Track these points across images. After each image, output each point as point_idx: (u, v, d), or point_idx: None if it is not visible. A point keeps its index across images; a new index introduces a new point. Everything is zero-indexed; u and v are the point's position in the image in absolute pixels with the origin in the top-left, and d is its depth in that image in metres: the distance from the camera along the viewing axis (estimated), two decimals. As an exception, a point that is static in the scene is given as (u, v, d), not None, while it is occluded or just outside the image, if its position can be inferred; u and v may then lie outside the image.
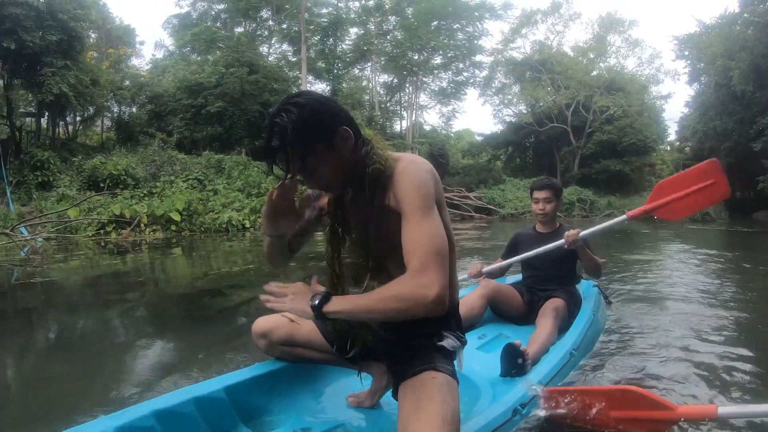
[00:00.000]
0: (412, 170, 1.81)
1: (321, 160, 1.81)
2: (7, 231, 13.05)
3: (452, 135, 42.28)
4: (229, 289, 6.77)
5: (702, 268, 8.21)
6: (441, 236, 1.77)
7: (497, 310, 4.13)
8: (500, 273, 4.49)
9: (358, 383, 2.50)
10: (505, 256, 4.41)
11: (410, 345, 2.06)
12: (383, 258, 1.99)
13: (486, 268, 4.36)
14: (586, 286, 4.48)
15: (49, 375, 3.83)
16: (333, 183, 1.89)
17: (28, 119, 22.81)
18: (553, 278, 4.11)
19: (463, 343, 2.14)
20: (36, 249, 12.20)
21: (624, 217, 4.28)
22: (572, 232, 3.91)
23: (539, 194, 4.15)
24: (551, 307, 3.71)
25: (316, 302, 1.80)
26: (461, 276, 4.35)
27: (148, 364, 3.94)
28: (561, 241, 3.96)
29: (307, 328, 2.34)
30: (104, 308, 6.01)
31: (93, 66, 21.15)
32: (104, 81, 21.36)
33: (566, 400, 2.57)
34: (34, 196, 16.89)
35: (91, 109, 22.69)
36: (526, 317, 3.96)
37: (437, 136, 36.08)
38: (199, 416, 2.25)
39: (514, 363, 2.92)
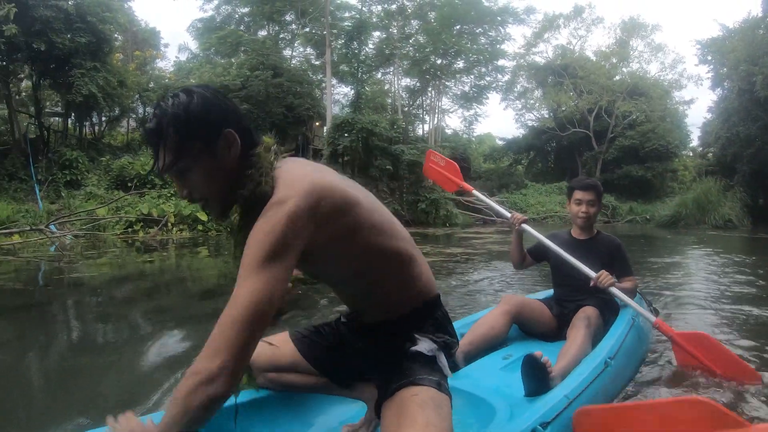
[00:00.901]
0: (270, 212, 1.43)
1: (195, 163, 1.53)
2: (42, 227, 13.34)
3: (473, 139, 42.26)
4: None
5: (736, 273, 8.25)
6: (256, 301, 1.38)
7: (525, 328, 3.79)
8: (521, 253, 4.09)
9: (353, 412, 2.39)
10: (533, 254, 4.11)
11: (384, 356, 1.84)
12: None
13: (527, 227, 3.99)
14: None
15: (74, 367, 3.97)
16: (207, 196, 1.59)
17: (54, 119, 23.12)
18: (583, 287, 3.68)
19: (446, 343, 1.86)
20: (65, 246, 12.47)
21: (653, 319, 3.64)
22: (607, 279, 3.52)
23: (583, 195, 3.77)
24: (582, 317, 3.39)
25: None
26: (506, 213, 4.14)
27: (158, 360, 3.96)
28: (591, 274, 3.59)
29: (288, 351, 2.13)
30: (129, 304, 6.21)
31: (120, 68, 21.47)
32: (131, 82, 21.67)
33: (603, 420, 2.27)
34: (63, 194, 17.27)
35: (117, 110, 22.93)
36: (556, 333, 3.62)
37: (459, 140, 36.09)
38: None
39: (537, 377, 2.59)
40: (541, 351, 2.82)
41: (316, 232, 1.49)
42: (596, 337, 3.28)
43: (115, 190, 17.85)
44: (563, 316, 3.62)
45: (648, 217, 27.12)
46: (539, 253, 4.08)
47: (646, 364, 3.45)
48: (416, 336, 1.80)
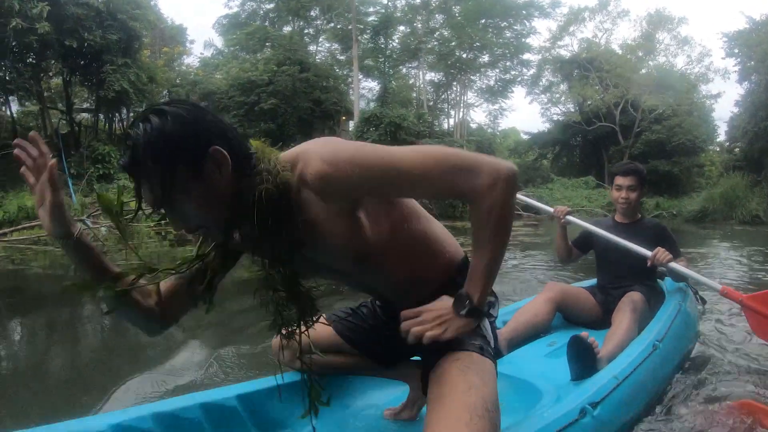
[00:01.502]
0: (329, 166, 1.38)
1: (184, 193, 1.35)
2: (83, 218, 13.68)
3: (498, 133, 42.15)
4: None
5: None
6: (435, 150, 1.48)
7: (569, 316, 3.78)
8: (568, 247, 4.01)
9: (395, 396, 2.38)
10: (578, 245, 4.05)
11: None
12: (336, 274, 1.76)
13: (572, 217, 3.95)
14: (670, 283, 3.93)
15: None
16: (204, 224, 1.44)
17: (82, 115, 23.44)
18: (628, 274, 3.70)
19: (488, 303, 1.73)
20: (98, 237, 12.83)
21: (719, 287, 3.49)
22: (665, 255, 3.44)
23: (623, 180, 3.77)
24: (627, 301, 3.35)
25: (467, 308, 1.58)
26: (548, 208, 4.10)
27: (189, 351, 4.06)
28: (646, 253, 3.50)
29: (325, 333, 2.07)
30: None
31: (150, 64, 21.73)
32: (160, 79, 21.95)
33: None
34: (96, 187, 17.48)
35: (145, 106, 23.24)
36: (601, 321, 3.54)
37: (483, 134, 36.06)
38: (206, 423, 2.08)
39: (584, 359, 2.55)
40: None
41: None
42: (642, 323, 3.22)
43: (146, 184, 18.13)
44: (608, 304, 3.58)
45: (675, 212, 26.88)
46: (585, 243, 4.04)
47: (687, 354, 3.39)
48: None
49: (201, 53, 35.44)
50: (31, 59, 18.20)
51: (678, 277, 3.62)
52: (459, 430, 1.41)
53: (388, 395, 2.45)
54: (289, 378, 2.20)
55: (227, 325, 4.81)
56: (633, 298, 3.38)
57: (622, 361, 2.57)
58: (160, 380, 3.39)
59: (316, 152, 1.42)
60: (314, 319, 1.71)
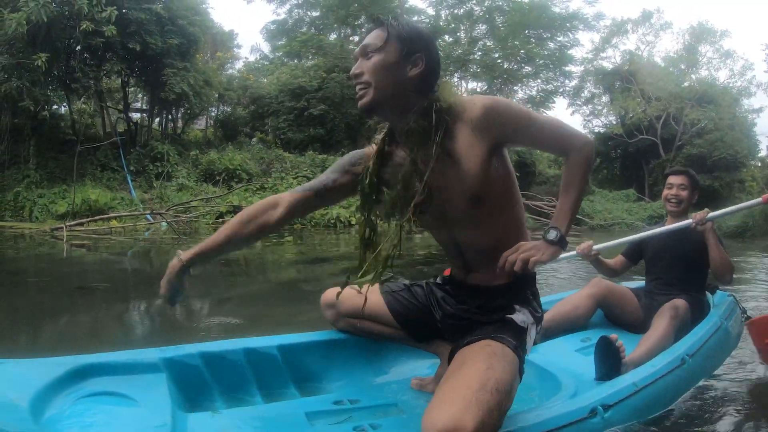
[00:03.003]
0: (494, 102, 1.83)
1: (382, 52, 1.82)
2: (152, 212, 14.48)
3: (537, 144, 42.07)
4: (330, 276, 7.56)
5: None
6: (558, 119, 1.99)
7: (610, 315, 3.74)
8: (613, 268, 4.01)
9: (424, 367, 2.51)
10: (628, 254, 4.01)
11: (478, 318, 2.00)
12: (441, 202, 1.92)
13: (599, 246, 3.87)
14: (720, 297, 3.85)
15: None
16: (371, 82, 1.82)
17: (135, 115, 24.11)
18: (678, 282, 3.64)
19: (537, 318, 2.04)
20: (160, 231, 13.83)
21: (759, 199, 3.71)
22: (700, 213, 3.50)
23: (675, 179, 3.72)
24: (670, 306, 3.30)
25: (557, 235, 1.87)
26: (570, 252, 3.89)
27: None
28: (688, 221, 3.53)
29: (374, 302, 2.26)
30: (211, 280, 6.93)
31: (206, 67, 22.36)
32: (216, 82, 22.57)
33: None
34: (155, 184, 18.18)
35: (197, 109, 23.84)
36: (642, 324, 3.46)
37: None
38: (247, 366, 2.30)
39: (609, 360, 2.63)
40: (623, 341, 2.83)
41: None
42: (680, 332, 3.17)
43: (203, 183, 18.90)
44: (651, 309, 3.47)
45: (715, 227, 26.63)
46: (635, 252, 3.99)
47: (719, 372, 3.26)
48: (516, 306, 1.96)
49: (245, 58, 35.95)
50: (93, 61, 18.86)
51: (722, 256, 3.49)
52: (463, 394, 1.57)
53: (418, 366, 2.58)
54: (327, 336, 2.51)
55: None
56: (676, 304, 3.32)
57: (647, 369, 2.54)
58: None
59: (481, 98, 1.84)
60: (390, 267, 1.97)
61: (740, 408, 2.78)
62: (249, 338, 2.41)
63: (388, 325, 2.33)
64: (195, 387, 2.18)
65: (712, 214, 3.51)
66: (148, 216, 15.22)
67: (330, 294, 2.39)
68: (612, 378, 2.50)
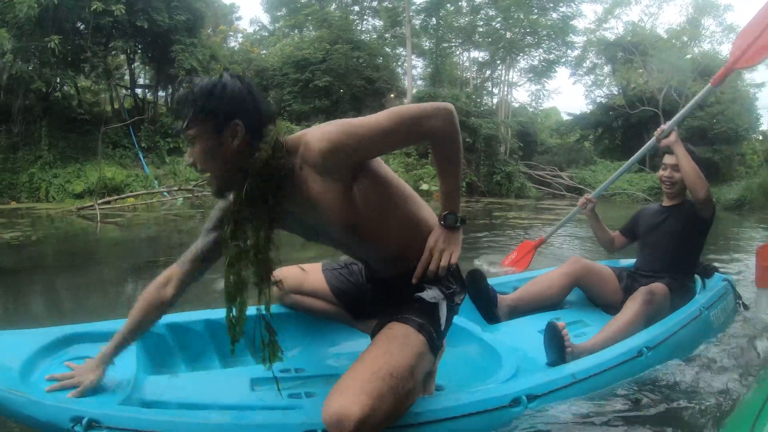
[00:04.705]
0: (330, 144, 1.72)
1: (201, 137, 1.72)
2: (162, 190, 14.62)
3: (539, 113, 41.96)
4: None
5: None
6: (396, 109, 1.83)
7: (589, 295, 3.63)
8: (609, 236, 3.99)
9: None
10: (625, 231, 3.95)
11: (394, 301, 2.04)
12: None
13: (594, 192, 4.10)
14: (715, 281, 3.73)
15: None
16: (207, 170, 1.78)
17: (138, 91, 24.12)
18: (663, 264, 3.53)
19: (449, 294, 2.05)
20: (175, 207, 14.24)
21: (709, 86, 3.86)
22: (658, 129, 3.57)
23: (669, 159, 3.53)
24: (645, 291, 3.12)
25: (455, 219, 1.92)
26: (573, 210, 4.26)
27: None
28: (652, 140, 3.65)
29: (315, 279, 2.42)
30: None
31: (212, 42, 22.34)
32: (221, 56, 22.60)
33: None
34: (167, 160, 18.46)
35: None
36: (620, 306, 3.21)
37: (525, 114, 36.05)
38: (207, 336, 2.56)
39: (554, 347, 2.54)
40: (595, 321, 2.95)
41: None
42: (655, 319, 3.02)
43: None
44: (631, 290, 3.31)
45: (714, 199, 26.78)
46: (631, 231, 3.91)
47: (688, 363, 2.88)
48: (425, 285, 2.00)
49: (244, 29, 35.72)
50: (101, 39, 18.92)
51: (692, 167, 3.33)
52: (354, 383, 1.66)
53: (364, 342, 2.53)
54: (282, 309, 2.65)
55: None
56: (653, 289, 3.17)
57: (594, 359, 2.49)
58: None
59: (313, 135, 1.74)
60: (270, 284, 1.93)
61: (692, 406, 2.45)
62: (209, 310, 2.64)
63: (329, 303, 2.47)
64: (162, 353, 2.45)
65: (669, 123, 3.58)
66: (165, 193, 15.41)
67: (275, 273, 2.24)
68: (560, 364, 2.47)
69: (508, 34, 31.09)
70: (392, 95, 28.99)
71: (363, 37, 30.01)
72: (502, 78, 33.85)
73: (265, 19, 36.56)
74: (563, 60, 35.71)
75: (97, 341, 2.28)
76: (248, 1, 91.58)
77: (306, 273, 2.42)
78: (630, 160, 4.18)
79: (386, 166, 1.95)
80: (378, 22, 33.50)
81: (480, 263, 5.88)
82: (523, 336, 2.81)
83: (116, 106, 20.28)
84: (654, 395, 2.49)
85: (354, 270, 2.43)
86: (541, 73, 35.17)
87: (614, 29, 37.92)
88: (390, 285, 2.10)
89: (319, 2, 32.80)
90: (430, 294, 1.97)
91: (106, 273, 6.33)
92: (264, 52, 27.96)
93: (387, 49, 30.80)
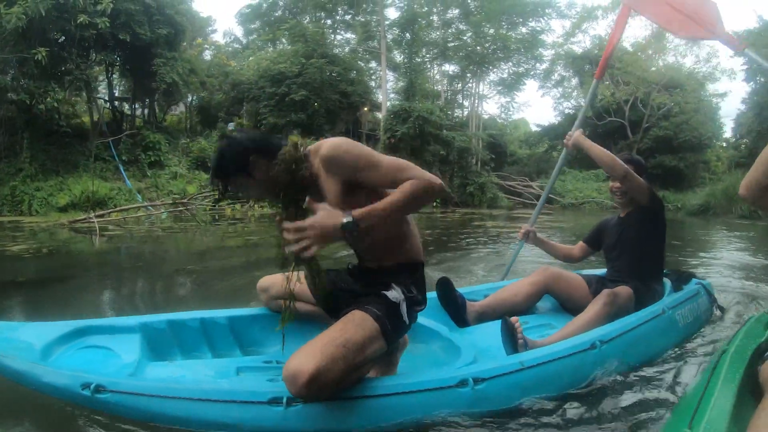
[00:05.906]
0: (335, 147, 2.10)
1: (244, 184, 2.20)
2: (145, 204, 14.84)
3: (508, 124, 42.53)
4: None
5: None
6: (400, 160, 2.12)
7: (560, 301, 3.79)
8: (567, 252, 4.19)
9: None
10: (588, 241, 4.09)
11: (362, 294, 2.33)
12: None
13: (529, 222, 4.27)
14: (691, 286, 3.86)
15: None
16: (264, 196, 2.29)
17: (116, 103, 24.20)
18: (629, 269, 3.64)
19: (414, 299, 2.33)
20: (160, 219, 14.37)
21: (595, 81, 4.31)
22: (567, 134, 3.87)
23: None
24: (608, 293, 3.22)
25: (350, 218, 2.01)
26: (517, 245, 4.43)
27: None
28: (567, 150, 3.96)
29: (299, 286, 2.51)
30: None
31: (191, 56, 22.66)
32: (200, 70, 22.90)
33: None
34: (149, 173, 18.61)
35: (181, 96, 23.98)
36: None
37: (495, 126, 36.61)
38: (202, 332, 2.92)
39: (508, 339, 2.71)
40: (561, 325, 3.08)
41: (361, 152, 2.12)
42: (616, 318, 3.14)
43: (195, 170, 19.38)
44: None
45: (679, 205, 27.63)
46: (595, 239, 4.06)
47: (646, 364, 3.01)
48: (392, 284, 2.28)
49: (217, 42, 35.97)
50: (83, 52, 19.08)
51: (604, 154, 3.55)
52: (312, 347, 1.98)
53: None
54: (266, 311, 3.02)
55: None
56: (616, 291, 3.26)
57: (544, 350, 2.64)
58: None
59: (327, 143, 2.13)
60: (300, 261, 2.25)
61: (643, 398, 2.59)
62: (204, 311, 3.02)
63: (310, 304, 2.70)
64: (162, 345, 2.83)
65: (573, 127, 3.89)
66: (148, 207, 15.68)
67: (263, 281, 2.90)
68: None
69: (479, 48, 31.62)
70: (366, 108, 29.41)
71: (336, 51, 30.37)
72: (473, 90, 34.43)
73: (239, 31, 37.16)
74: (532, 73, 36.47)
75: (106, 333, 2.77)
76: (222, 13, 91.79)
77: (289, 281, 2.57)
78: (553, 174, 4.47)
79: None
80: (351, 36, 33.94)
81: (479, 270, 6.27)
82: (487, 337, 2.95)
83: (96, 118, 20.37)
84: (605, 386, 2.65)
85: (331, 276, 2.61)
86: (510, 85, 35.77)
87: (581, 43, 38.71)
88: (367, 275, 2.43)
89: (293, 16, 33.15)
90: (393, 294, 2.26)
91: (149, 278, 6.65)
92: (237, 65, 28.11)
93: (360, 63, 31.18)
